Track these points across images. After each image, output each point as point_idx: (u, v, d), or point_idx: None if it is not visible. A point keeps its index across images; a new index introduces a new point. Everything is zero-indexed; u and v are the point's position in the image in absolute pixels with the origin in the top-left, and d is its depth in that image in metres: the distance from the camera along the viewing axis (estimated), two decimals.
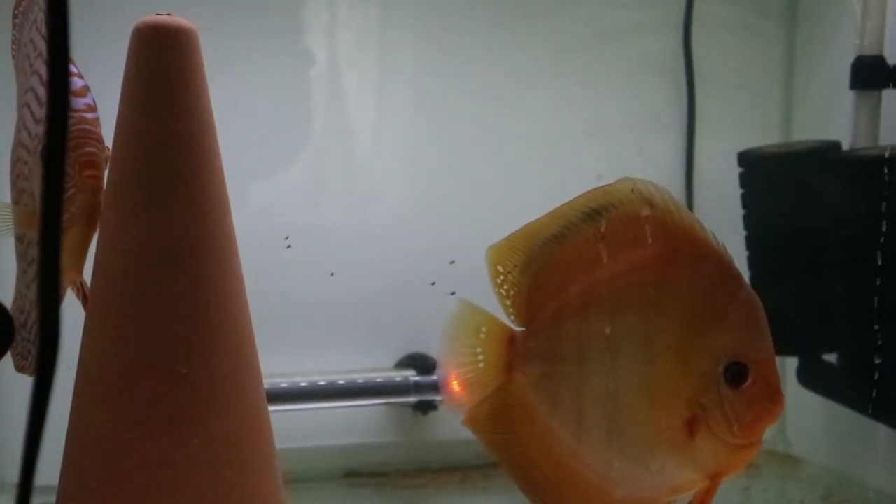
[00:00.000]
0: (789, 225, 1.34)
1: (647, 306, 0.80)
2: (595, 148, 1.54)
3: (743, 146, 1.41)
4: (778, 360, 1.49)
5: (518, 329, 0.87)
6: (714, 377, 0.79)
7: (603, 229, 0.82)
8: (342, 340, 1.50)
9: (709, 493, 0.82)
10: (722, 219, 1.43)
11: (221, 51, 1.44)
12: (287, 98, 1.49)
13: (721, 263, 0.81)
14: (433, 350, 1.45)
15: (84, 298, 0.92)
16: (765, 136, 1.55)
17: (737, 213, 1.40)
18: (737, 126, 1.60)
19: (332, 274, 1.44)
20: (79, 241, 0.88)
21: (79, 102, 0.85)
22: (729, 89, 1.61)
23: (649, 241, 0.80)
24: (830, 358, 1.36)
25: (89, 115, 0.86)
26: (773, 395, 0.80)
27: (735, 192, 1.41)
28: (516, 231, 0.86)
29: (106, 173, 0.87)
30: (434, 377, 1.46)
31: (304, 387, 1.44)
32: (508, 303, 0.87)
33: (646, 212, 0.80)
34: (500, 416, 0.87)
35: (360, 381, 1.45)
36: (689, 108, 1.59)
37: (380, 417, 1.52)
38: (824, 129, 1.45)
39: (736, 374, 0.79)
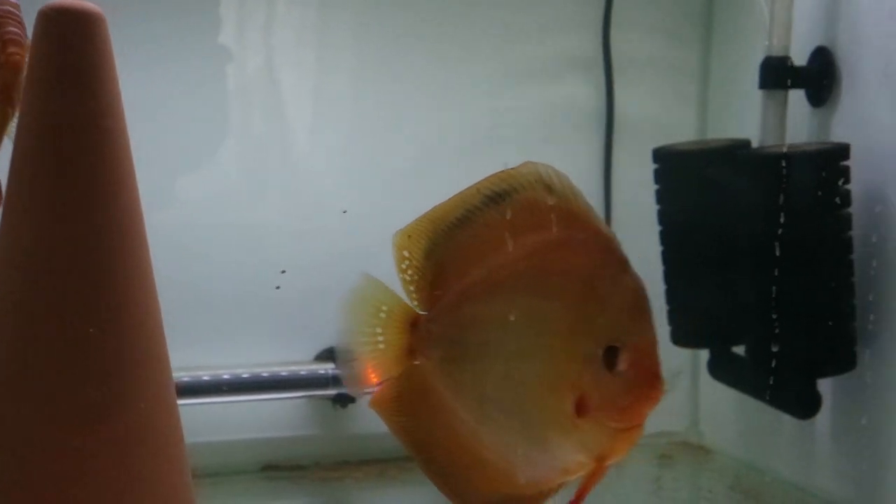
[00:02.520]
0: (700, 220, 1.38)
1: (540, 291, 0.82)
2: (530, 150, 1.55)
3: (660, 143, 1.44)
4: (692, 353, 1.64)
5: (422, 313, 0.88)
6: (596, 361, 0.80)
7: (504, 214, 0.83)
8: (264, 333, 1.51)
9: (594, 475, 0.83)
10: (638, 214, 1.54)
11: (155, 45, 1.45)
12: (223, 95, 1.49)
13: (609, 249, 0.82)
14: None
15: None
16: (681, 134, 1.59)
17: (653, 208, 1.44)
18: (653, 124, 1.64)
19: (283, 271, 1.45)
20: None
21: None
22: (646, 89, 1.65)
23: (547, 225, 0.82)
24: (739, 350, 1.40)
25: None
26: (650, 380, 0.81)
27: (650, 188, 1.44)
28: (422, 216, 0.87)
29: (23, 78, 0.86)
30: None
31: (225, 379, 1.44)
32: (412, 287, 0.88)
33: (545, 197, 0.82)
34: (405, 399, 0.87)
35: (283, 373, 1.46)
36: (608, 105, 1.62)
37: (298, 410, 1.53)
38: (738, 128, 1.49)
39: (611, 357, 0.80)
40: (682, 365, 1.65)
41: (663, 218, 1.43)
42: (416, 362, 0.87)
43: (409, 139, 1.56)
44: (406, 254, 0.87)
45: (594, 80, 1.61)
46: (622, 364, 0.80)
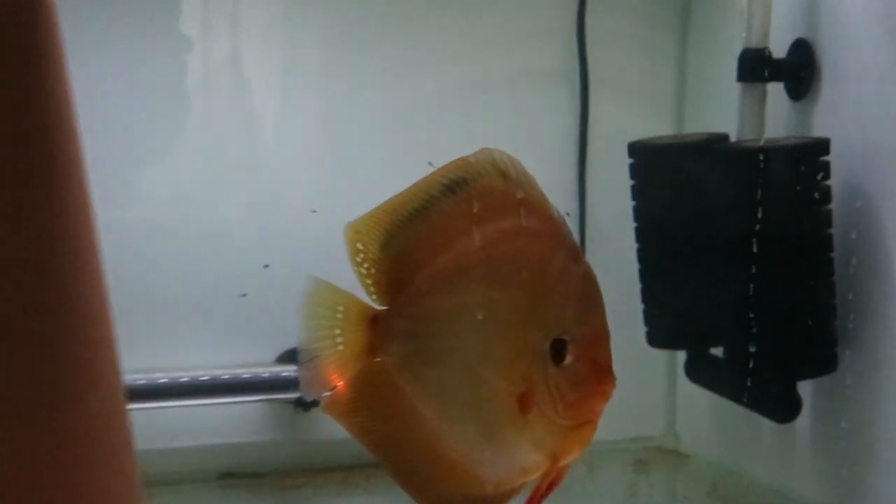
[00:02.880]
0: (676, 216, 1.37)
1: (493, 281, 0.81)
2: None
3: (635, 138, 1.43)
4: (669, 354, 1.63)
5: (381, 308, 0.86)
6: (543, 354, 0.79)
7: (461, 203, 0.83)
8: (224, 334, 1.49)
9: (548, 475, 0.82)
10: (615, 211, 1.53)
11: (109, 28, 1.42)
12: (184, 85, 1.47)
13: (558, 236, 0.81)
14: None
15: None
16: (657, 128, 1.58)
17: (629, 207, 1.42)
18: (630, 118, 1.63)
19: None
20: None
21: None
22: (622, 80, 1.64)
23: (501, 214, 0.81)
24: (717, 352, 1.38)
25: None
26: (598, 374, 0.79)
27: (625, 185, 1.42)
28: (377, 207, 0.86)
29: None
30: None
31: (182, 382, 1.42)
32: (369, 282, 0.87)
33: (500, 184, 0.81)
34: (365, 399, 0.86)
35: (244, 375, 1.43)
36: (583, 98, 1.61)
37: (259, 415, 1.50)
38: (716, 122, 1.48)
39: (558, 350, 0.79)
40: (657, 368, 1.65)
41: (639, 214, 1.41)
42: (378, 359, 0.86)
43: (381, 138, 1.54)
44: (360, 246, 0.86)
45: (569, 72, 1.61)
46: (569, 357, 0.79)
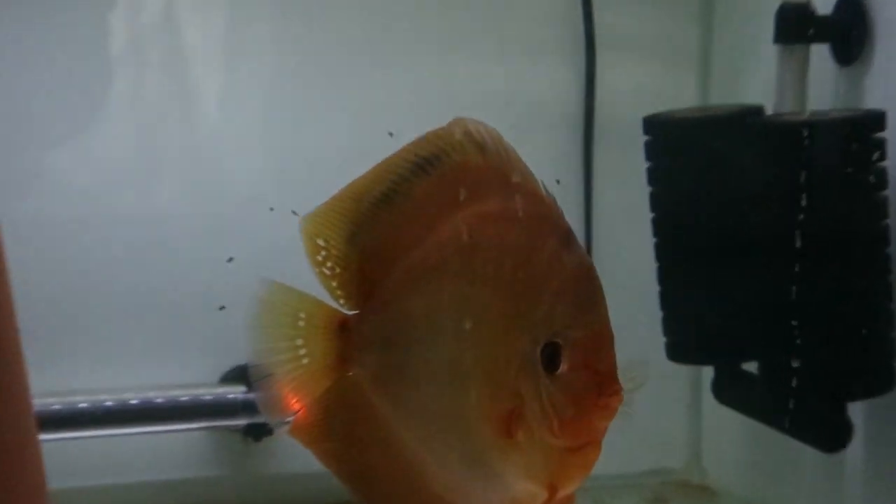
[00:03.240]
0: (702, 205, 1.36)
1: (472, 276, 0.80)
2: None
3: (650, 111, 1.41)
4: (693, 371, 1.63)
5: (351, 314, 0.86)
6: (532, 361, 0.78)
7: (435, 183, 0.83)
8: (161, 349, 1.50)
9: None
10: (626, 199, 1.53)
11: None
12: (108, 54, 1.48)
13: (547, 219, 0.81)
14: None
15: None
16: (677, 99, 1.57)
17: (642, 192, 1.41)
18: (644, 89, 1.62)
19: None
20: None
21: None
22: (635, 45, 1.64)
23: (479, 194, 0.81)
24: (751, 367, 1.38)
25: None
26: (599, 384, 0.77)
27: (640, 167, 1.41)
28: (337, 193, 0.85)
29: None
30: None
31: (108, 407, 1.41)
32: (335, 283, 0.86)
33: (477, 159, 0.81)
34: (336, 420, 0.86)
35: (182, 399, 1.44)
36: (588, 65, 1.59)
37: (202, 445, 1.51)
38: (749, 92, 1.47)
39: (550, 356, 0.77)
40: (679, 387, 1.65)
41: (657, 203, 1.40)
42: (350, 373, 0.86)
43: (346, 116, 1.54)
44: (321, 242, 0.86)
45: (571, 34, 1.60)
46: (564, 365, 0.77)
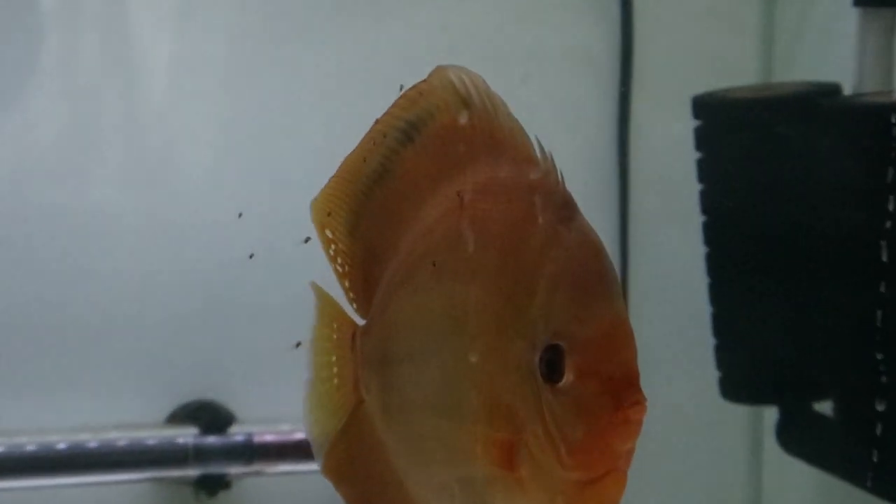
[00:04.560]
0: (765, 207, 1.34)
1: (458, 267, 0.79)
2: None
3: (702, 89, 1.39)
4: (752, 412, 1.59)
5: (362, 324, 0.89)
6: (531, 372, 0.74)
7: (420, 154, 0.84)
8: (94, 381, 1.48)
9: None
10: (670, 195, 1.50)
11: None
12: (39, 26, 1.46)
13: (542, 188, 0.78)
14: (228, 394, 1.46)
15: None
16: (736, 74, 1.55)
17: (689, 190, 1.40)
18: (695, 63, 1.61)
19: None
20: None
21: None
22: (685, 13, 1.62)
23: (464, 163, 0.81)
24: (824, 408, 1.36)
25: None
26: (616, 394, 0.74)
27: (687, 158, 1.39)
28: (336, 174, 0.87)
29: None
30: (229, 437, 1.44)
31: (29, 452, 1.40)
32: (347, 283, 0.89)
33: (463, 117, 0.82)
34: (356, 457, 0.88)
35: (121, 443, 1.42)
36: (624, 29, 1.58)
37: (145, 499, 1.49)
38: (822, 66, 1.45)
39: (551, 364, 0.74)
40: (736, 433, 1.61)
41: (709, 204, 1.37)
42: (364, 400, 0.88)
43: (332, 78, 1.54)
44: (329, 234, 0.89)
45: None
46: (569, 373, 0.74)
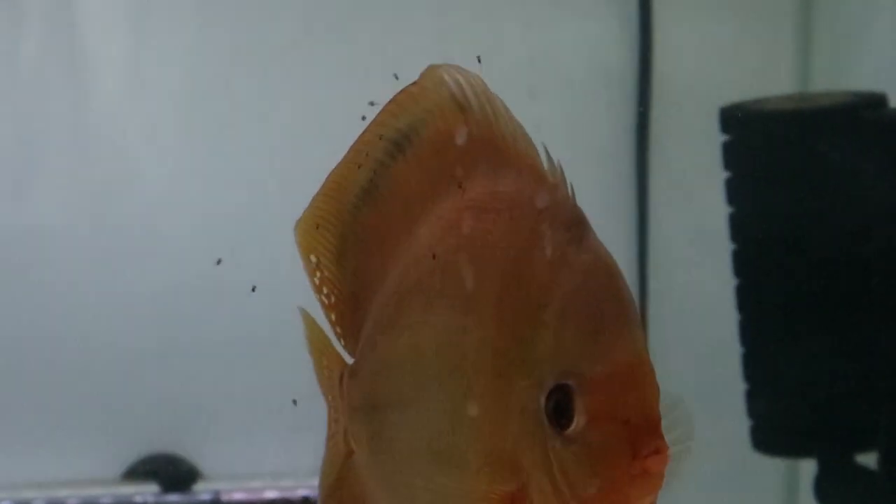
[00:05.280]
0: (805, 233, 1.33)
1: (453, 298, 0.78)
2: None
3: (731, 99, 1.38)
4: (788, 465, 1.57)
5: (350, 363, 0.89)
6: (536, 416, 0.73)
7: (412, 167, 0.84)
8: (37, 429, 1.46)
9: None
10: (694, 218, 1.49)
11: None
12: None
13: (549, 203, 0.77)
14: (192, 446, 1.44)
15: None
16: (769, 82, 1.55)
17: (716, 212, 1.38)
18: (724, 67, 1.60)
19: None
20: None
21: None
22: (709, 15, 1.61)
23: (463, 177, 0.81)
24: (868, 460, 1.35)
25: None
26: (633, 441, 0.72)
27: (712, 176, 1.38)
28: (319, 191, 0.87)
29: None
30: (193, 496, 1.44)
31: None
32: (333, 316, 0.89)
33: (459, 124, 0.81)
34: None
35: (71, 502, 1.42)
36: (642, 39, 1.57)
37: None
38: (865, 74, 1.45)
39: (559, 406, 0.73)
40: (769, 488, 1.59)
41: (739, 230, 1.36)
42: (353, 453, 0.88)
43: (308, 89, 1.52)
44: (314, 260, 0.89)
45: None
46: (580, 416, 0.72)
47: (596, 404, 0.73)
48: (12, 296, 1.46)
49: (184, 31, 1.53)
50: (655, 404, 0.73)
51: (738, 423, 1.39)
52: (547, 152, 0.78)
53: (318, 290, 0.91)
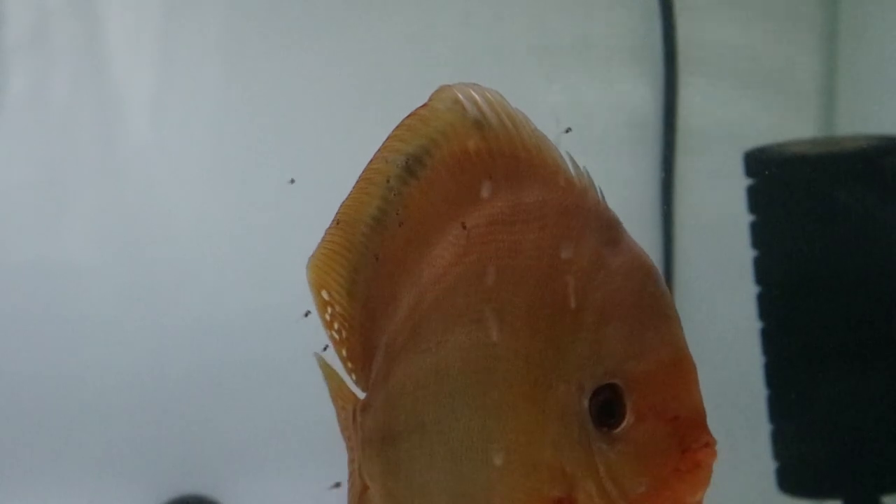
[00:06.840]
0: (829, 275, 1.33)
1: (480, 316, 0.77)
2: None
3: (755, 143, 1.40)
4: None
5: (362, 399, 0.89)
6: (579, 419, 0.73)
7: (426, 190, 0.84)
8: (60, 476, 1.46)
9: None
10: (720, 262, 1.50)
11: None
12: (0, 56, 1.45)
13: (580, 210, 0.77)
14: (218, 489, 1.43)
15: None
16: (793, 126, 1.56)
17: (741, 255, 1.39)
18: (747, 111, 1.60)
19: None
20: None
21: None
22: (726, 56, 1.63)
23: (484, 193, 0.80)
24: (894, 501, 1.35)
25: None
26: (682, 437, 0.72)
27: (737, 217, 1.39)
28: (331, 224, 0.88)
29: None
30: None
31: None
32: (345, 352, 0.89)
33: (476, 142, 0.81)
34: None
35: None
36: (668, 81, 1.58)
37: None
38: (885, 119, 1.45)
39: (605, 407, 0.73)
40: None
41: (764, 273, 1.36)
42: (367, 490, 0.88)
43: (318, 136, 1.53)
44: (326, 296, 0.89)
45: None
46: (629, 416, 0.73)
47: (644, 401, 0.73)
48: (41, 333, 1.46)
49: (210, 68, 1.54)
50: (701, 398, 0.73)
51: (767, 465, 1.39)
52: (572, 160, 0.78)
53: (329, 326, 0.90)
